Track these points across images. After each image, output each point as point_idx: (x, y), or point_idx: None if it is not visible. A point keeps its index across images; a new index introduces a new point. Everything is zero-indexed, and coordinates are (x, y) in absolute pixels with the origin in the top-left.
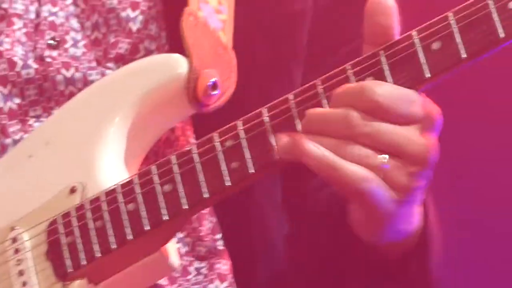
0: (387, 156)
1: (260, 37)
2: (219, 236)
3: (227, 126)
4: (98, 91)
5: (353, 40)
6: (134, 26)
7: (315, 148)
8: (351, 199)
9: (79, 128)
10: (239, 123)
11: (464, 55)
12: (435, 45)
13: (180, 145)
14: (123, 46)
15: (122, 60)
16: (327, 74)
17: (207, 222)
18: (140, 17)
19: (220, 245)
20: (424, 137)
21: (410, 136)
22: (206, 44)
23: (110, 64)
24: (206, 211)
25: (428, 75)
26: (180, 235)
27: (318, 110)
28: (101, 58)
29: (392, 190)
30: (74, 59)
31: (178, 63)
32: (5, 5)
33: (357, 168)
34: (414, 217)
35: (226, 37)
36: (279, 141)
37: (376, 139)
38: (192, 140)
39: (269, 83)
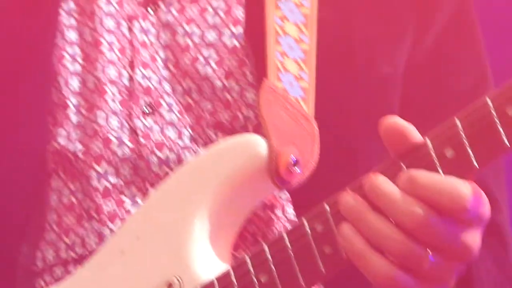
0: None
1: (345, 103)
2: None
3: (315, 209)
4: (182, 178)
5: (459, 91)
6: (230, 96)
7: (349, 232)
8: None
9: (166, 219)
10: (326, 206)
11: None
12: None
13: (279, 224)
14: (222, 114)
15: (221, 128)
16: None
17: None
18: (236, 87)
19: None
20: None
21: (466, 240)
22: (286, 118)
23: (209, 131)
24: None
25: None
26: None
27: (391, 187)
28: (194, 125)
29: (420, 278)
30: (168, 129)
31: (257, 144)
32: (98, 73)
33: (384, 265)
34: None
35: (308, 105)
36: None
37: (438, 243)
38: (292, 217)
39: (357, 150)
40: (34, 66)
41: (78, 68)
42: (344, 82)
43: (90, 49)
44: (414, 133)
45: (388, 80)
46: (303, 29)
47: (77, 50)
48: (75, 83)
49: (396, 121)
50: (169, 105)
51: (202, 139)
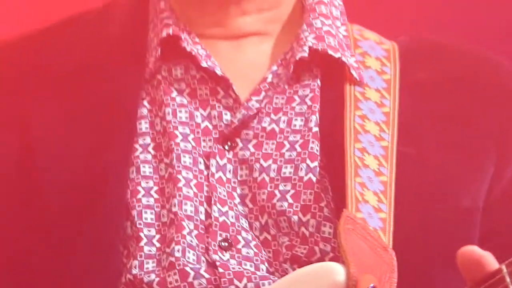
0: None
1: (424, 235)
2: None
3: None
4: None
5: None
6: (307, 230)
7: None
8: None
9: None
10: None
11: None
12: None
13: None
14: (298, 248)
15: (297, 262)
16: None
17: None
18: (312, 221)
19: None
20: None
21: None
22: (365, 247)
23: (285, 265)
24: None
25: None
26: None
27: None
28: (271, 260)
29: None
30: (246, 264)
31: (336, 272)
32: (174, 209)
33: None
34: None
35: (386, 236)
36: None
37: None
38: None
39: (434, 280)
40: (108, 201)
41: (152, 201)
42: (422, 214)
43: (166, 185)
44: (490, 261)
45: (468, 213)
46: (382, 161)
47: (151, 184)
48: (149, 216)
49: (473, 249)
50: (246, 240)
51: (278, 273)
